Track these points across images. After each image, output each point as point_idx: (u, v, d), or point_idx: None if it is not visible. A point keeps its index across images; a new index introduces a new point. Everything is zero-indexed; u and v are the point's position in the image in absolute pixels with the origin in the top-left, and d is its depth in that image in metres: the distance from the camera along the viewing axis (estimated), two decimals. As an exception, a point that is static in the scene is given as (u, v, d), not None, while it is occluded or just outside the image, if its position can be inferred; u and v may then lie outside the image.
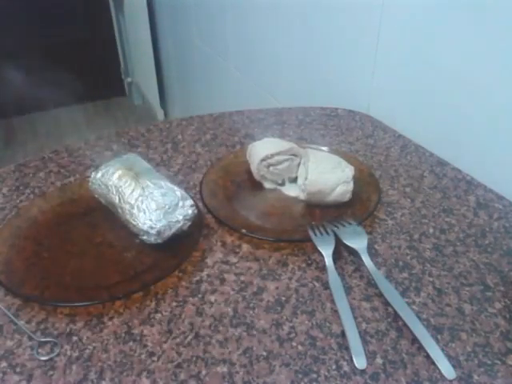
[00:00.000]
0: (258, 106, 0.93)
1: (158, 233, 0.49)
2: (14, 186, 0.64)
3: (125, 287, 0.46)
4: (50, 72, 2.82)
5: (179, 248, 0.51)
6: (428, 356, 0.40)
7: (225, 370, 0.39)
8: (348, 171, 0.58)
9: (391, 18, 0.80)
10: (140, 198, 0.50)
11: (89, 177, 0.66)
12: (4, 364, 0.40)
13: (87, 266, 0.50)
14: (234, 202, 0.60)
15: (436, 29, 0.71)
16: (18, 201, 0.61)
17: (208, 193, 0.60)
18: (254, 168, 0.63)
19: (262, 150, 0.63)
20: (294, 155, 0.63)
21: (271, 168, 0.62)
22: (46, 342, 0.41)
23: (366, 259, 0.49)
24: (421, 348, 0.40)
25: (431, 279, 0.49)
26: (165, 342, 0.41)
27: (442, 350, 0.40)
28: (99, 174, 0.55)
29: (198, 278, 0.49)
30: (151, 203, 0.49)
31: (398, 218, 0.58)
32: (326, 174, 0.57)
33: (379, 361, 0.40)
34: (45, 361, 0.40)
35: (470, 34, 0.66)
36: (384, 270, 0.50)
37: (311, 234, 0.52)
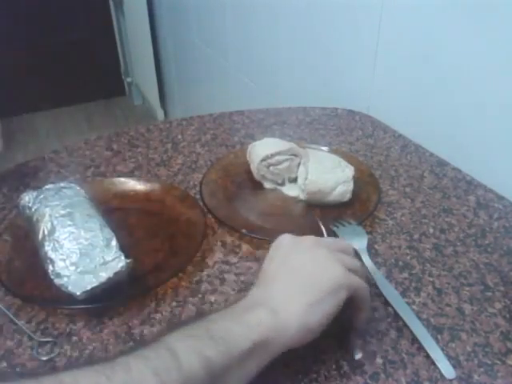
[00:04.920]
0: (257, 105, 0.93)
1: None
2: (14, 186, 0.64)
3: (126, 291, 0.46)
4: (50, 72, 2.83)
5: (182, 250, 0.51)
6: (428, 356, 0.40)
7: (225, 369, 0.39)
8: (348, 171, 0.58)
9: (391, 18, 0.80)
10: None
11: (88, 177, 0.67)
12: (4, 364, 0.39)
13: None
14: (234, 202, 0.60)
15: (436, 29, 0.71)
16: (18, 201, 0.61)
17: (208, 193, 0.60)
18: (254, 168, 0.63)
19: (262, 149, 0.63)
20: (294, 155, 0.63)
21: (271, 168, 0.62)
22: (46, 342, 0.41)
23: (366, 259, 0.49)
24: (421, 348, 0.40)
25: (431, 279, 0.49)
26: (165, 342, 0.41)
27: (442, 349, 0.40)
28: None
29: (197, 277, 0.49)
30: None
31: (397, 218, 0.58)
32: (326, 174, 0.57)
33: (379, 361, 0.40)
34: (45, 361, 0.40)
35: (470, 34, 0.66)
36: (384, 270, 0.50)
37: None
